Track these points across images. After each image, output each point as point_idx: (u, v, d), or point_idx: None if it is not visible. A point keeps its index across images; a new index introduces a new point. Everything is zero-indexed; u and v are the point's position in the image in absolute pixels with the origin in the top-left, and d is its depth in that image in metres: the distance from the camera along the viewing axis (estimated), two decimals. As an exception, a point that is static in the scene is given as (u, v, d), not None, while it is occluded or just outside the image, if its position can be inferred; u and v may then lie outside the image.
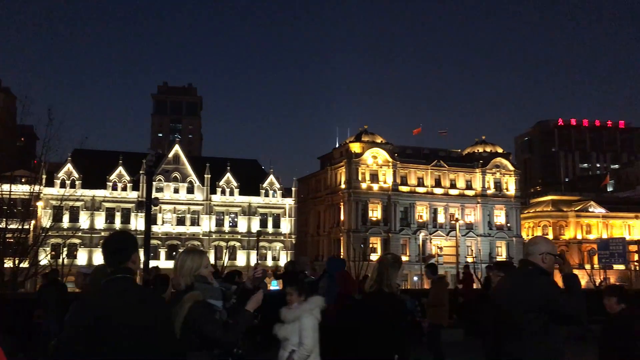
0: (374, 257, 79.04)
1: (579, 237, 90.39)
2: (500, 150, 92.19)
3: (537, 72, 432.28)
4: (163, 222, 76.04)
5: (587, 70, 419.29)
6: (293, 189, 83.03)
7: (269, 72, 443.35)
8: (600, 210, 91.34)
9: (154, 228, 74.66)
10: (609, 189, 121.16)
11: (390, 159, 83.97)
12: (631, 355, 5.41)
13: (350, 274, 10.53)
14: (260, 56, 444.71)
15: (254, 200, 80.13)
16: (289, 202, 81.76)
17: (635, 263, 78.86)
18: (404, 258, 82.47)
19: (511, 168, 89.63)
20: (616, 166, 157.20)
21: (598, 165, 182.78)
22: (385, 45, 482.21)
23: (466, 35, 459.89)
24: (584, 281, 70.45)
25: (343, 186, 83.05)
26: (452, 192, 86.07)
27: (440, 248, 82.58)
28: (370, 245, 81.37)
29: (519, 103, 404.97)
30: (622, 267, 76.47)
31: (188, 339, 4.33)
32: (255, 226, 79.76)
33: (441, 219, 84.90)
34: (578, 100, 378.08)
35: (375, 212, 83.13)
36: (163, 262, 63.65)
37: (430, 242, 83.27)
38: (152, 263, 27.06)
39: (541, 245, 4.83)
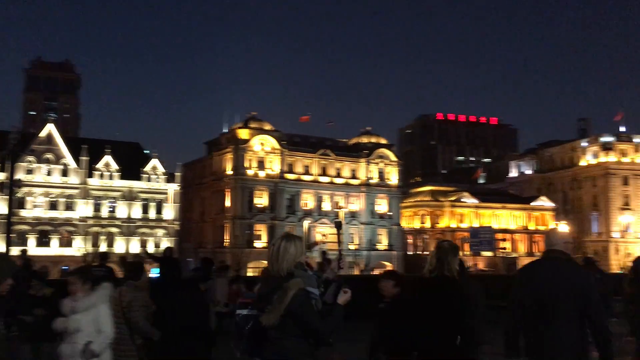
0: (259, 244, 79.00)
1: (453, 225, 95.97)
2: (384, 141, 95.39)
3: (421, 67, 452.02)
4: (33, 206, 70.89)
5: (466, 68, 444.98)
6: (177, 174, 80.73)
7: (154, 55, 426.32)
8: (472, 200, 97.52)
9: (23, 212, 69.50)
10: (481, 181, 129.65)
11: (278, 147, 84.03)
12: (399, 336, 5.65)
13: (310, 264, 10.51)
14: (146, 38, 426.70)
15: (136, 185, 76.96)
16: (173, 187, 79.40)
17: (502, 250, 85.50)
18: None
19: (394, 159, 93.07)
20: (487, 160, 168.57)
21: (472, 159, 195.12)
22: (276, 34, 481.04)
23: (355, 28, 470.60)
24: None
25: (229, 172, 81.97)
26: (338, 180, 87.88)
27: (325, 235, 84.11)
28: (255, 232, 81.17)
29: (404, 96, 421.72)
30: (490, 253, 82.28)
31: (287, 326, 4.32)
32: (137, 212, 76.71)
33: (326, 207, 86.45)
34: (456, 96, 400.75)
35: (262, 199, 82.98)
36: (33, 249, 59.49)
37: (315, 230, 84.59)
38: (16, 250, 25.01)
39: (564, 235, 5.65)
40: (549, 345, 4.92)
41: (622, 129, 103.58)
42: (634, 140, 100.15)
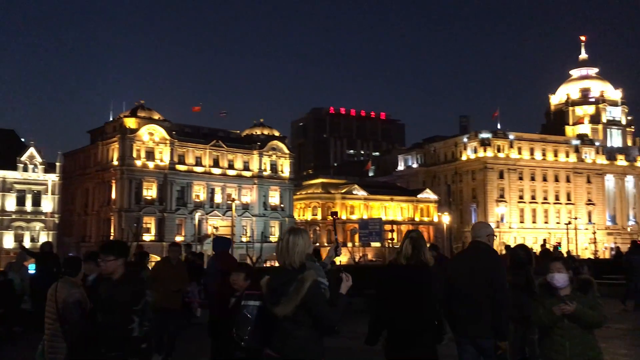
0: (147, 237, 76.17)
1: (344, 217, 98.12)
2: (277, 133, 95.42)
3: (314, 61, 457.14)
4: None
5: (357, 64, 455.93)
6: (57, 164, 75.85)
7: (34, 38, 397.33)
8: (362, 193, 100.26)
9: None
10: (370, 173, 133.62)
11: (167, 137, 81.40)
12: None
13: (231, 254, 10.37)
14: (25, 21, 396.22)
15: (10, 175, 71.44)
16: (52, 178, 74.53)
17: (389, 241, 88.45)
18: (179, 238, 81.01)
19: (286, 151, 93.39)
20: (377, 153, 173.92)
21: (362, 152, 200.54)
22: (167, 23, 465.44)
23: (249, 20, 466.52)
24: (345, 258, 76.67)
25: (115, 163, 78.25)
26: (230, 172, 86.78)
27: (217, 228, 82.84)
28: (144, 226, 78.24)
29: (297, 89, 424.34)
30: (378, 244, 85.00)
31: (300, 316, 4.46)
32: (11, 204, 71.26)
33: (218, 199, 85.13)
34: (348, 91, 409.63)
35: (150, 191, 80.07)
36: None
37: (207, 222, 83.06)
38: None
39: (488, 228, 6.59)
40: (468, 320, 6.06)
41: (499, 126, 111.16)
42: (509, 137, 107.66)
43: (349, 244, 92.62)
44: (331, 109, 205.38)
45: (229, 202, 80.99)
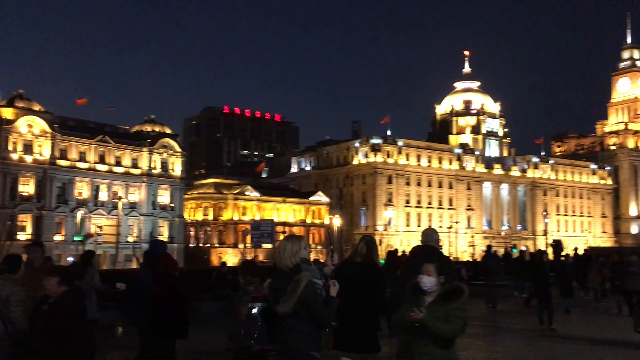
0: (23, 236, 70.96)
1: (236, 218, 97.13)
2: (169, 131, 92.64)
3: (209, 60, 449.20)
4: None
5: (256, 65, 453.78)
6: None
7: None
8: (255, 194, 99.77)
9: None
10: (264, 175, 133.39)
11: (48, 130, 76.35)
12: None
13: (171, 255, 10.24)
14: None
15: None
16: None
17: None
18: (59, 238, 76.22)
19: (178, 149, 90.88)
20: (271, 155, 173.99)
21: (256, 153, 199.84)
22: (53, 13, 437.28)
23: (141, 16, 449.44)
24: (236, 259, 75.97)
25: (-12, 155, 72.15)
26: (117, 169, 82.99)
27: (100, 227, 78.94)
28: (19, 224, 72.85)
29: (191, 87, 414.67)
30: (270, 246, 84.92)
31: (300, 313, 4.99)
32: None
33: (103, 196, 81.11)
34: (244, 92, 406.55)
35: (27, 187, 74.69)
36: None
37: (90, 221, 78.89)
38: None
39: (436, 234, 7.74)
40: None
41: (389, 132, 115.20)
42: (398, 143, 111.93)
43: (240, 245, 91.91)
44: (226, 109, 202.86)
45: (115, 200, 77.39)
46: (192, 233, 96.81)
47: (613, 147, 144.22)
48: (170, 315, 7.24)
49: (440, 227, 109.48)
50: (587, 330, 15.52)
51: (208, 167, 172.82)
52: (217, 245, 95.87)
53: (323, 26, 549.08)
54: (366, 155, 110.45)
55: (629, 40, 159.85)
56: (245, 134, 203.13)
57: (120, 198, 77.02)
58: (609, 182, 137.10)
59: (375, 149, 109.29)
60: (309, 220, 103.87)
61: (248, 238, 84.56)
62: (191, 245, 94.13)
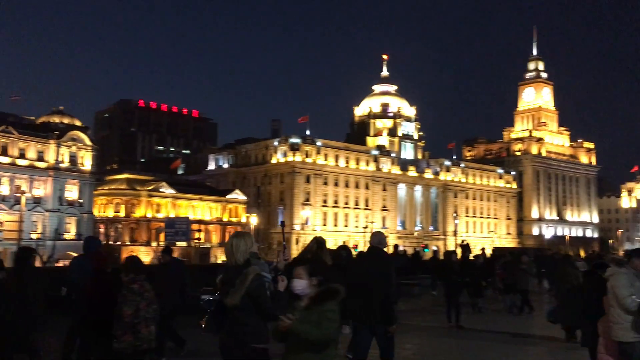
0: None
1: (149, 215, 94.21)
2: (78, 123, 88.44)
3: (124, 51, 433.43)
4: None
5: (173, 59, 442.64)
6: None
7: None
8: (170, 191, 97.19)
9: None
10: (180, 172, 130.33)
11: (-57, 117, 70.75)
12: None
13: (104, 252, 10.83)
14: None
15: None
16: None
17: (196, 240, 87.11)
18: (-47, 234, 70.97)
19: (89, 143, 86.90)
20: (187, 151, 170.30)
21: (172, 149, 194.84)
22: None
23: (52, 4, 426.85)
24: (149, 257, 73.68)
25: None
26: (21, 162, 78.20)
27: (1, 223, 74.23)
28: None
29: (103, 79, 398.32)
30: (184, 244, 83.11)
31: (247, 305, 5.19)
32: None
33: (5, 190, 76.19)
34: (161, 86, 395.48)
35: None
36: None
37: (-11, 216, 73.91)
38: None
39: (384, 237, 8.17)
40: (367, 306, 7.53)
41: (308, 132, 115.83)
42: (317, 143, 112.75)
43: (154, 243, 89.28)
44: (141, 102, 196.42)
45: (18, 194, 72.91)
46: (102, 230, 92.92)
47: (518, 153, 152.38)
48: (104, 312, 7.30)
49: (356, 226, 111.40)
50: (492, 326, 16.17)
51: (121, 162, 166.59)
52: (128, 243, 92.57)
53: (244, 23, 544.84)
54: (285, 155, 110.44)
55: (534, 52, 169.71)
56: (161, 129, 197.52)
57: (23, 192, 72.64)
58: (514, 186, 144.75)
59: (294, 148, 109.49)
60: (225, 219, 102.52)
61: (162, 236, 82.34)
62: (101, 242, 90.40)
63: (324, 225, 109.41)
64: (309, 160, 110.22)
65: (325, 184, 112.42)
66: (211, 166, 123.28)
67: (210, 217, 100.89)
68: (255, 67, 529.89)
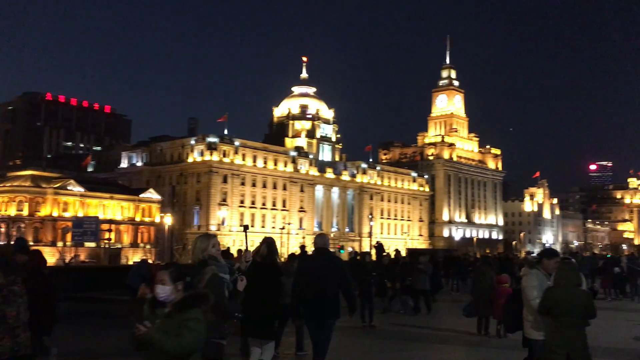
0: None
1: (56, 214, 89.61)
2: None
3: (34, 42, 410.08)
4: None
5: (83, 52, 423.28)
6: None
7: None
8: (79, 189, 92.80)
9: None
10: (90, 169, 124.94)
11: None
12: None
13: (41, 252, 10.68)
14: None
15: None
16: None
17: (106, 241, 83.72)
18: None
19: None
20: (98, 148, 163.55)
21: (82, 145, 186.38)
22: None
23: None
24: (54, 258, 70.04)
25: None
26: None
27: None
28: None
29: (7, 70, 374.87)
30: (93, 244, 79.66)
31: None
32: None
33: None
34: (71, 79, 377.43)
35: None
36: None
37: None
38: None
39: (327, 239, 8.85)
40: (321, 303, 8.09)
41: (226, 131, 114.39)
42: (235, 143, 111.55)
43: (60, 244, 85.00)
44: (48, 95, 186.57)
45: None
46: (2, 230, 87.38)
47: (431, 158, 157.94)
48: (39, 311, 7.36)
49: (273, 227, 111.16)
50: (404, 326, 16.56)
51: (25, 158, 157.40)
52: (32, 243, 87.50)
53: (162, 19, 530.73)
54: (202, 154, 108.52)
55: (447, 60, 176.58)
56: (69, 124, 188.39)
57: None
58: (427, 189, 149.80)
59: (211, 147, 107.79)
60: (138, 219, 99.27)
61: (69, 236, 78.60)
62: (1, 242, 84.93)
63: (241, 226, 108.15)
64: (226, 160, 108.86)
65: (243, 184, 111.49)
66: (124, 164, 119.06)
67: (122, 217, 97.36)
68: (172, 64, 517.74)
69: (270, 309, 8.07)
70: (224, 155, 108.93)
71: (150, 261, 24.89)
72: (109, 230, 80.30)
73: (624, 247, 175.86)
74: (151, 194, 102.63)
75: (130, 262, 72.60)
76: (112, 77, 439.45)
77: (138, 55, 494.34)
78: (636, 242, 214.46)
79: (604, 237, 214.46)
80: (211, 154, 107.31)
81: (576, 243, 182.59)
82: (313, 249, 8.65)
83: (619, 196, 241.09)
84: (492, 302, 14.14)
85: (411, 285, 19.11)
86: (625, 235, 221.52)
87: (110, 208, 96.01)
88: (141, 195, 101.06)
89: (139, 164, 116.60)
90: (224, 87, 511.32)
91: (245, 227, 18.29)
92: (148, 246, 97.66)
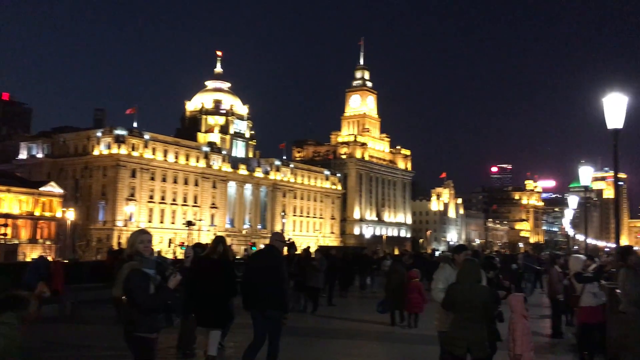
0: None
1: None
2: None
3: None
4: None
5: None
6: None
7: None
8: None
9: None
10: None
11: None
12: None
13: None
14: None
15: None
16: None
17: (1, 236, 78.50)
18: None
19: None
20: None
21: None
22: None
23: None
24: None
25: None
26: None
27: None
28: None
29: None
30: (-14, 240, 74.41)
31: (128, 297, 5.70)
32: None
33: None
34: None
35: None
36: None
37: None
38: None
39: (281, 236, 9.32)
40: (266, 295, 8.64)
41: (135, 124, 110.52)
42: (145, 136, 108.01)
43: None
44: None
45: None
46: None
47: (344, 156, 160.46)
48: None
49: (184, 224, 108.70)
50: (312, 322, 16.70)
51: None
52: None
53: (67, 3, 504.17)
54: (109, 146, 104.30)
55: (361, 62, 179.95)
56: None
57: None
58: (339, 187, 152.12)
59: (119, 140, 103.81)
60: (37, 213, 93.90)
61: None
62: None
63: (150, 222, 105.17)
64: (135, 153, 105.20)
65: (153, 179, 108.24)
66: (23, 155, 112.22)
67: (20, 211, 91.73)
68: (79, 52, 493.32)
69: (219, 301, 9.02)
70: (133, 149, 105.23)
71: (50, 258, 23.54)
72: (5, 225, 75.64)
73: (521, 245, 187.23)
74: (52, 188, 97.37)
75: (28, 259, 68.47)
76: (11, 63, 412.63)
77: (40, 41, 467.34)
78: (532, 240, 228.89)
79: (503, 236, 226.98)
80: (119, 147, 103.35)
81: (478, 241, 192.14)
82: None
83: (517, 197, 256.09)
84: (404, 295, 15.08)
85: (303, 282, 18.91)
86: (522, 234, 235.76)
87: (6, 202, 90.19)
88: (41, 189, 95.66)
89: (40, 155, 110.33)
90: (134, 78, 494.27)
91: (189, 223, 20.52)
92: (48, 242, 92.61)
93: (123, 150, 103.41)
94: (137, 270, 5.71)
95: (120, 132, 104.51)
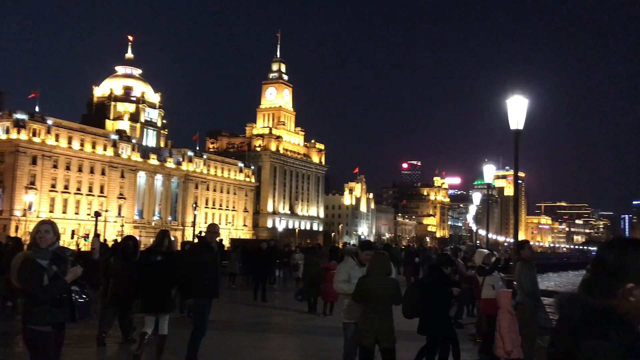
0: None
1: None
2: None
3: None
4: None
5: None
6: None
7: None
8: None
9: None
10: None
11: None
12: None
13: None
14: None
15: None
16: None
17: None
18: None
19: None
20: None
21: None
22: None
23: None
24: None
25: None
26: None
27: None
28: None
29: None
30: None
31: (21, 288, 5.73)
32: None
33: None
34: None
35: None
36: None
37: None
38: None
39: (217, 228, 10.10)
40: (207, 285, 9.47)
41: (37, 108, 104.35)
42: (48, 122, 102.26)
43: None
44: None
45: None
46: None
47: (258, 149, 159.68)
48: None
49: (88, 214, 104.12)
50: (227, 315, 16.54)
51: None
52: None
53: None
54: (7, 131, 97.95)
55: (278, 54, 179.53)
56: None
57: None
58: (253, 180, 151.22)
59: (19, 124, 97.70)
60: None
61: None
62: None
63: (51, 212, 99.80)
64: (36, 139, 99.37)
65: (55, 167, 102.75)
66: None
67: None
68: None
69: (166, 289, 9.76)
70: (34, 135, 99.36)
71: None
72: None
73: (427, 239, 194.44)
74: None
75: None
76: None
77: None
78: (438, 234, 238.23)
79: (411, 230, 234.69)
80: (19, 132, 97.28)
81: (387, 235, 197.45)
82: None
83: (425, 193, 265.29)
84: (320, 285, 16.53)
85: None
86: (430, 228, 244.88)
87: None
88: None
89: None
90: (38, 60, 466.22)
91: (97, 214, 21.25)
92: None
93: (23, 135, 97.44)
94: (28, 259, 5.60)
95: (20, 116, 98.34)
